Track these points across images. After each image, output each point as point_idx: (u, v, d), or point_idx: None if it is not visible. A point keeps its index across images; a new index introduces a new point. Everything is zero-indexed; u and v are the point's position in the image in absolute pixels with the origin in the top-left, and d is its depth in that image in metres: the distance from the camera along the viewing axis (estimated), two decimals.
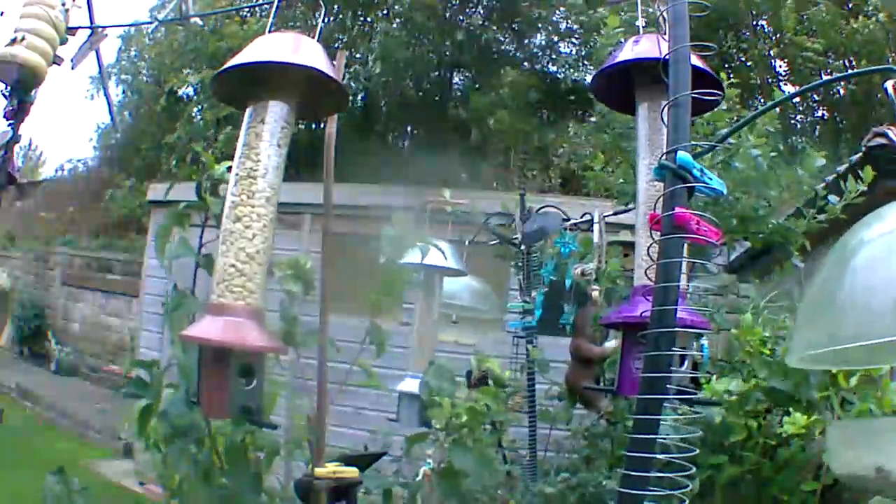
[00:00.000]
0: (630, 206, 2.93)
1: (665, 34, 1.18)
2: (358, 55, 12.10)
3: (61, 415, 8.37)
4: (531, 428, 2.99)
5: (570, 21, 12.22)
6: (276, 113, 1.29)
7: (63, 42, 1.93)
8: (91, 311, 10.89)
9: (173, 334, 1.53)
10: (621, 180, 3.05)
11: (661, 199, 1.08)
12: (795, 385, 1.93)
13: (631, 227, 1.38)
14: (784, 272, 2.74)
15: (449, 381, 2.06)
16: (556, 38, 13.03)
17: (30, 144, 18.37)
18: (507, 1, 12.55)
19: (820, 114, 11.56)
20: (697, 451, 1.11)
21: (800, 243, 2.64)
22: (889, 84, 1.12)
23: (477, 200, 3.38)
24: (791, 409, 1.93)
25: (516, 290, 3.27)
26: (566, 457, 3.21)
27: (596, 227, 2.78)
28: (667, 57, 1.12)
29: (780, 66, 11.40)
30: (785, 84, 10.75)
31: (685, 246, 1.07)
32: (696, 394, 1.22)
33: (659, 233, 1.08)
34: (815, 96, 10.74)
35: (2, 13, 1.96)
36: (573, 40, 12.58)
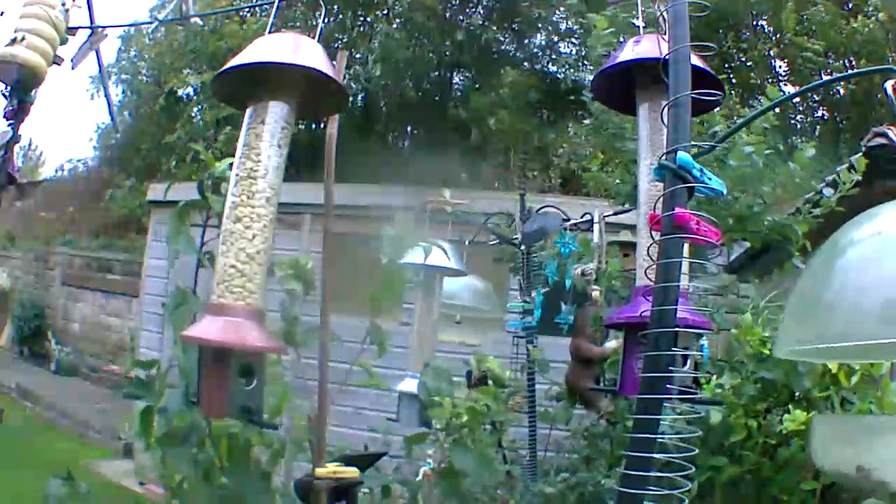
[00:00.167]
0: (626, 206, 2.94)
1: (665, 34, 1.18)
2: (358, 55, 12.09)
3: (61, 415, 8.37)
4: (531, 428, 2.99)
5: (569, 21, 12.22)
6: (276, 113, 1.29)
7: (63, 42, 1.93)
8: (91, 311, 10.89)
9: (175, 334, 1.53)
10: (618, 181, 3.05)
11: (661, 199, 1.08)
12: (786, 374, 1.94)
13: (631, 228, 1.38)
14: (784, 272, 2.74)
15: (447, 381, 2.06)
16: (556, 38, 13.03)
17: (30, 144, 18.39)
18: (507, 1, 12.55)
19: (820, 114, 11.56)
20: (697, 451, 1.11)
21: (800, 244, 2.64)
22: (889, 84, 1.12)
23: (477, 200, 3.38)
24: (791, 407, 1.94)
25: (516, 291, 3.27)
26: (566, 457, 3.21)
27: (596, 228, 2.78)
28: (667, 57, 1.12)
29: (780, 67, 11.40)
30: (785, 84, 10.75)
31: (685, 246, 1.07)
32: (696, 394, 1.22)
33: (659, 233, 1.08)
34: (815, 96, 10.74)
35: (2, 13, 1.96)
36: (573, 40, 12.58)
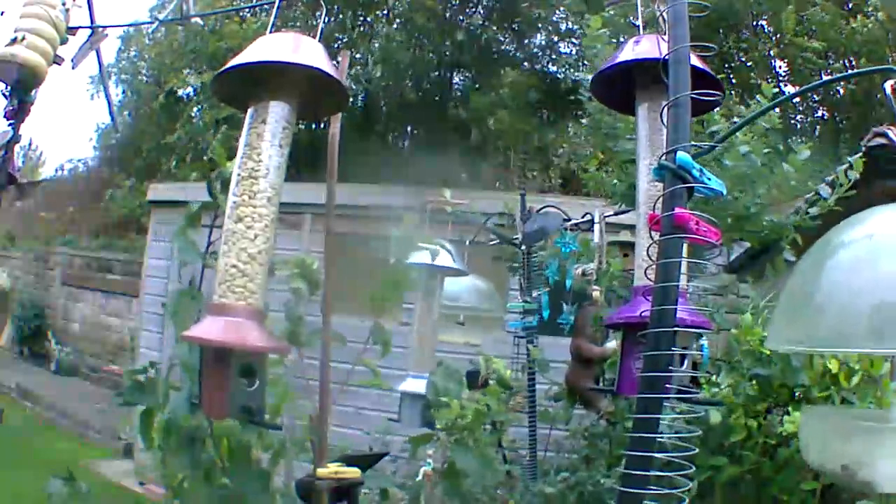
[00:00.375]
0: (622, 206, 2.94)
1: (665, 34, 1.18)
2: (358, 55, 12.09)
3: (61, 415, 8.37)
4: (531, 428, 2.99)
5: (569, 21, 12.22)
6: (277, 113, 1.29)
7: (63, 42, 1.93)
8: (91, 311, 10.89)
9: (178, 333, 1.53)
10: (615, 181, 3.06)
11: (661, 199, 1.08)
12: (781, 371, 1.94)
13: (631, 228, 1.38)
14: (777, 269, 2.75)
15: (456, 381, 2.06)
16: (556, 38, 13.03)
17: (30, 144, 18.39)
18: (507, 1, 12.55)
19: (820, 114, 11.56)
20: (697, 450, 1.11)
21: (790, 238, 2.65)
22: (889, 84, 1.12)
23: (477, 200, 3.38)
24: (791, 408, 1.94)
25: (516, 291, 3.27)
26: (566, 457, 3.21)
27: (596, 228, 2.78)
28: (667, 57, 1.12)
29: (780, 67, 11.40)
30: (785, 84, 10.76)
31: (684, 246, 1.07)
32: (696, 393, 1.22)
33: (658, 233, 1.08)
34: (815, 96, 10.74)
35: (2, 13, 1.96)
36: (573, 40, 12.57)
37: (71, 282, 11.36)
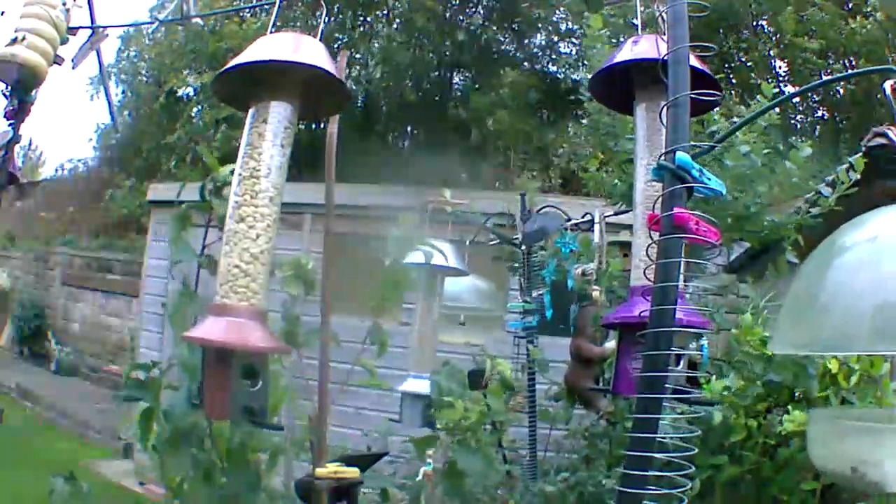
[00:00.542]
0: (622, 206, 2.94)
1: (664, 34, 1.18)
2: (358, 55, 12.10)
3: (61, 415, 8.37)
4: (531, 428, 2.99)
5: (569, 21, 12.23)
6: (278, 113, 1.28)
7: (64, 42, 1.93)
8: (91, 311, 10.89)
9: (176, 334, 1.53)
10: (616, 181, 3.06)
11: (661, 199, 1.08)
12: (794, 377, 1.94)
13: (631, 228, 1.38)
14: (778, 270, 2.75)
15: (460, 382, 2.06)
16: (556, 39, 13.03)
17: (30, 144, 18.38)
18: (507, 1, 12.55)
19: (820, 114, 11.56)
20: (697, 450, 1.11)
21: (792, 238, 2.64)
22: (888, 84, 1.12)
23: (477, 200, 3.38)
24: (791, 408, 1.94)
25: (516, 291, 3.27)
26: (566, 457, 3.21)
27: (597, 228, 2.78)
28: (666, 58, 1.12)
29: (780, 67, 11.40)
30: (785, 84, 10.75)
31: (683, 246, 1.07)
32: (694, 393, 1.22)
33: (658, 233, 1.08)
34: (815, 96, 10.74)
35: (2, 13, 1.96)
36: (573, 40, 12.58)
37: (71, 282, 11.36)
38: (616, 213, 2.99)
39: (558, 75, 12.59)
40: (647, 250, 1.13)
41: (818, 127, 11.40)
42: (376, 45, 12.09)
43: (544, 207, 3.21)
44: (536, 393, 3.05)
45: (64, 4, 1.90)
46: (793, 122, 11.13)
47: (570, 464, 3.01)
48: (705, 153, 1.51)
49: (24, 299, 11.52)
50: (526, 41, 13.15)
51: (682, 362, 1.19)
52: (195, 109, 12.08)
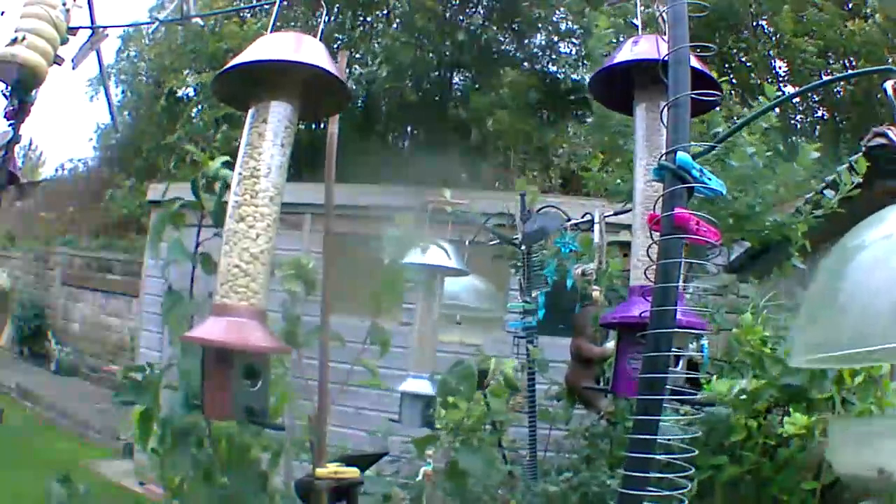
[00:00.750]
0: (626, 205, 2.94)
1: (664, 34, 1.18)
2: (358, 55, 12.10)
3: (61, 415, 8.37)
4: (531, 428, 2.99)
5: (569, 21, 12.23)
6: (278, 112, 1.28)
7: (64, 42, 1.93)
8: (91, 311, 10.89)
9: (172, 336, 1.53)
10: (619, 180, 3.06)
11: (661, 199, 1.08)
12: (810, 380, 1.93)
13: (631, 228, 1.38)
14: (783, 272, 2.75)
15: (469, 383, 2.05)
16: (556, 38, 13.04)
17: (30, 144, 18.39)
18: (507, 1, 12.55)
19: (820, 114, 11.57)
20: (697, 451, 1.11)
21: (800, 244, 2.64)
22: (889, 84, 1.12)
23: (477, 200, 3.37)
24: (791, 410, 1.93)
25: (516, 291, 3.27)
26: (566, 457, 3.21)
27: (597, 228, 2.78)
28: (666, 58, 1.12)
29: (780, 67, 11.41)
30: (785, 84, 10.76)
31: (684, 246, 1.07)
32: (694, 394, 1.22)
33: (658, 233, 1.08)
34: (814, 96, 10.74)
35: (2, 13, 1.96)
36: (573, 40, 12.58)
37: (71, 282, 11.36)
38: (616, 213, 2.99)
39: (558, 75, 12.59)
40: (647, 250, 1.13)
41: (818, 127, 11.40)
42: (377, 45, 12.09)
43: (544, 207, 3.21)
44: (536, 393, 3.05)
45: (64, 4, 1.90)
46: (793, 122, 11.13)
47: (571, 464, 3.01)
48: (705, 154, 1.51)
49: (24, 299, 11.53)
50: (526, 41, 13.15)
51: (680, 363, 1.19)
52: (195, 109, 12.08)
